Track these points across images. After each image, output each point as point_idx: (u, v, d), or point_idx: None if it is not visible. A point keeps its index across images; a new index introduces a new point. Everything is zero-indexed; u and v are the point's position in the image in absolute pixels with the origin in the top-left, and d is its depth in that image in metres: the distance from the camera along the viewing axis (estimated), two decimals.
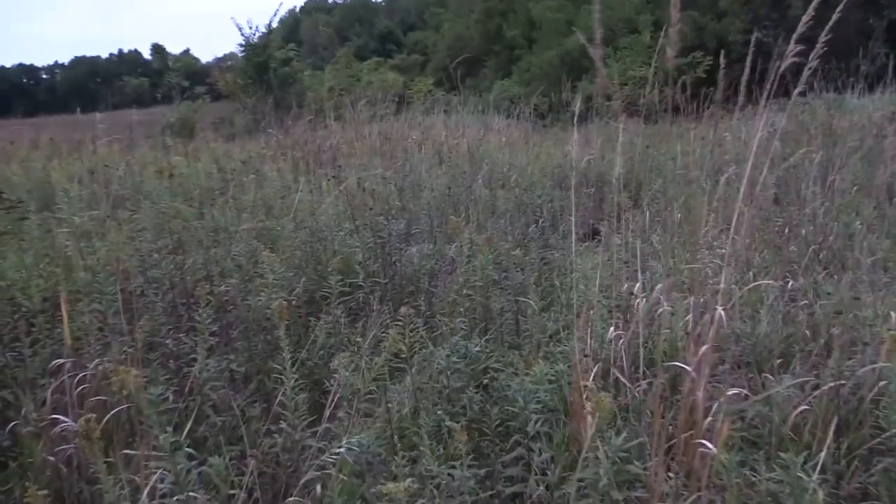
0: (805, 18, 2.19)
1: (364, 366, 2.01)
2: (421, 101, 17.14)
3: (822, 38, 2.18)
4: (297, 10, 45.61)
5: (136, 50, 50.56)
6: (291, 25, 43.53)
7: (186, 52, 45.78)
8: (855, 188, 5.23)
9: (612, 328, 2.29)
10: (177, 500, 1.53)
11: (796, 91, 2.45)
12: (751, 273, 3.26)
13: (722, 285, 3.07)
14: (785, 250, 3.72)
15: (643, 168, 6.60)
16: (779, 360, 2.44)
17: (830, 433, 1.67)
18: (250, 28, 20.58)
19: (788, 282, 3.29)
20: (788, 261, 3.62)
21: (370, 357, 2.10)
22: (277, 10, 21.24)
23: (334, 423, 1.95)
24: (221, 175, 5.55)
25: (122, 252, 3.55)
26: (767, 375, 2.23)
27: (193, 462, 1.67)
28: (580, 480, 1.52)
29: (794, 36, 2.19)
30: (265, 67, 21.15)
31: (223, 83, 21.62)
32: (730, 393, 1.90)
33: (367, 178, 4.96)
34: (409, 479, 1.41)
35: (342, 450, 1.65)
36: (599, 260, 3.41)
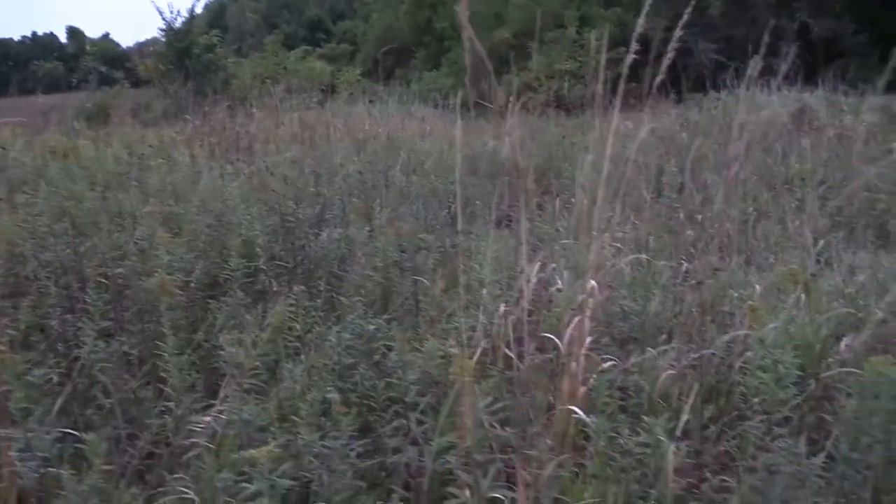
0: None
1: (251, 343, 2.01)
2: (348, 91, 17.03)
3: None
4: None
5: (51, 33, 48.34)
6: (217, 11, 42.45)
7: (106, 36, 44.09)
8: (755, 178, 5.49)
9: (502, 306, 2.36)
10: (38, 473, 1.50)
11: (685, 88, 2.54)
12: (645, 256, 3.39)
13: (619, 266, 3.20)
14: (683, 235, 3.89)
15: (558, 158, 6.76)
16: (664, 336, 2.55)
17: (691, 399, 1.77)
18: (171, 12, 19.93)
19: (683, 264, 3.44)
20: (686, 245, 3.78)
21: (259, 335, 2.10)
22: None
23: (222, 402, 1.95)
24: (130, 160, 5.41)
25: (16, 236, 3.43)
26: (650, 349, 2.33)
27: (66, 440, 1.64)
28: (449, 445, 1.57)
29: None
30: (187, 53, 20.58)
31: (143, 68, 20.96)
32: (607, 364, 1.99)
33: (278, 164, 4.92)
34: (273, 444, 1.43)
35: (212, 422, 1.66)
36: (505, 243, 3.51)
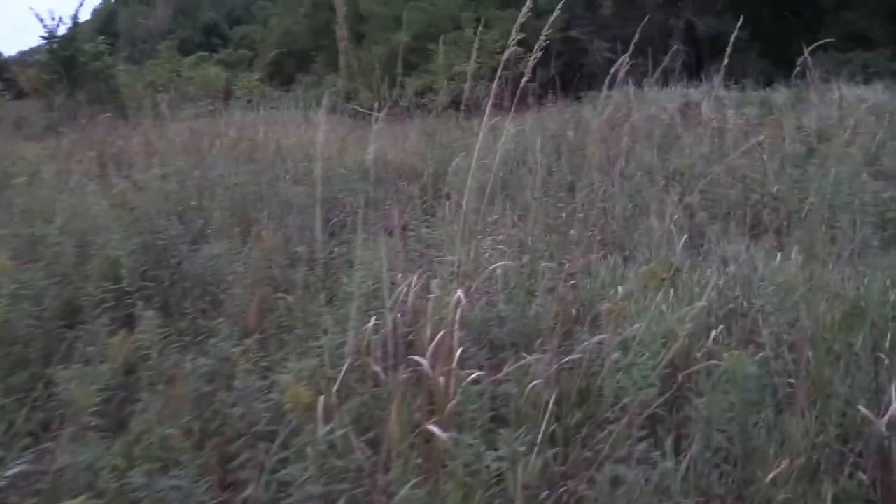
0: None
1: (92, 377, 1.86)
2: (246, 98, 16.57)
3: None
4: (113, 0, 42.62)
5: None
6: (106, 17, 40.58)
7: None
8: (639, 174, 5.62)
9: (372, 319, 2.28)
10: None
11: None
12: (526, 258, 3.38)
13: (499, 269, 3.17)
14: (566, 235, 3.91)
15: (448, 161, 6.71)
16: (540, 341, 2.53)
17: (549, 406, 1.75)
18: (53, 19, 18.89)
19: (565, 264, 3.46)
20: (569, 244, 3.81)
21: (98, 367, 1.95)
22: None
23: (56, 443, 1.79)
24: None
25: None
26: (524, 355, 2.30)
27: None
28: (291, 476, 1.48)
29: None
30: (72, 62, 19.55)
31: (25, 79, 19.79)
32: (474, 375, 1.94)
33: (156, 177, 4.68)
34: (83, 496, 1.31)
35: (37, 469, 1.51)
36: (386, 252, 3.42)
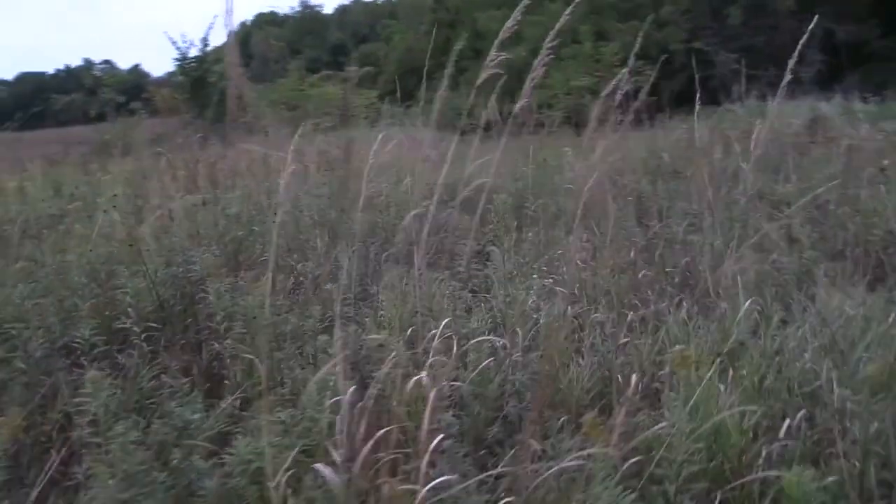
0: None
1: None
2: (362, 114, 16.76)
3: None
4: (248, 23, 45.01)
5: (85, 64, 49.33)
6: (242, 39, 42.89)
7: (136, 67, 44.85)
8: (744, 199, 4.93)
9: (350, 389, 1.90)
10: None
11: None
12: (576, 307, 2.90)
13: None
14: (637, 275, 3.37)
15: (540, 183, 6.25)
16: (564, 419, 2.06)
17: None
18: (185, 42, 19.98)
19: (628, 313, 2.94)
20: (640, 287, 3.28)
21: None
22: (212, 23, 20.56)
23: None
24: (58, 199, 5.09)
25: None
26: (532, 442, 1.85)
27: None
28: None
29: None
30: (202, 82, 20.60)
31: (159, 98, 21.01)
32: (440, 479, 1.52)
33: (229, 200, 4.56)
34: None
35: None
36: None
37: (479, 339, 2.28)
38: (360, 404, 1.82)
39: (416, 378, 1.77)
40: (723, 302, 3.12)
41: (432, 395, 1.63)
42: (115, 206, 3.68)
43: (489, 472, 1.63)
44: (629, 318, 2.85)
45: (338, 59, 38.74)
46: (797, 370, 2.11)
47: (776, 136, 7.70)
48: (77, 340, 2.55)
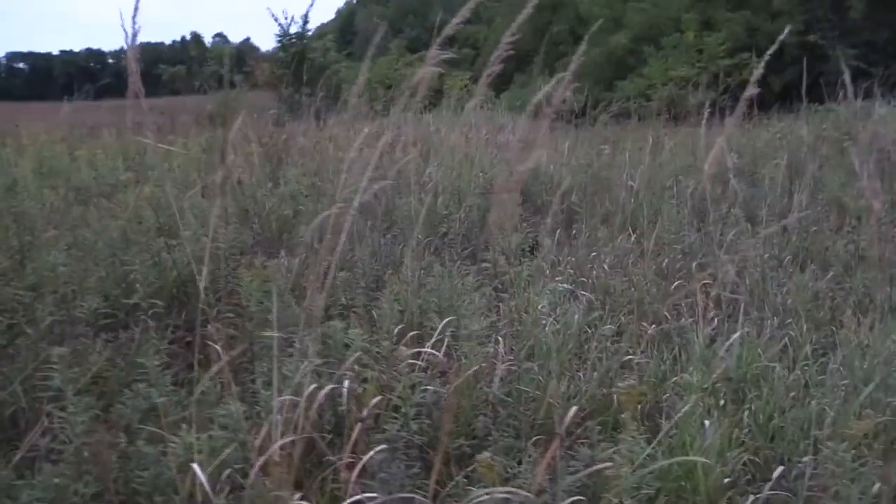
0: None
1: None
2: (455, 97, 16.69)
3: None
4: (354, 1, 45.64)
5: (197, 35, 51.46)
6: (347, 17, 43.66)
7: (247, 40, 46.34)
8: (820, 208, 4.53)
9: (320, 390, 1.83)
10: None
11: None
12: (595, 314, 2.73)
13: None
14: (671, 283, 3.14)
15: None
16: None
17: None
18: (286, 18, 20.43)
19: (650, 326, 2.74)
20: (672, 300, 3.05)
21: None
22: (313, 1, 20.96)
23: None
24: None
25: None
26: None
27: None
28: None
29: None
30: (301, 58, 21.06)
31: (259, 72, 21.62)
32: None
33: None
34: None
35: None
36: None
37: (470, 343, 2.16)
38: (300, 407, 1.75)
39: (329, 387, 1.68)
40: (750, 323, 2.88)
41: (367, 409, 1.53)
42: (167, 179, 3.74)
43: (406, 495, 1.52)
44: (649, 331, 2.66)
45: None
46: (811, 411, 1.90)
47: (875, 141, 7.10)
48: (83, 312, 2.60)
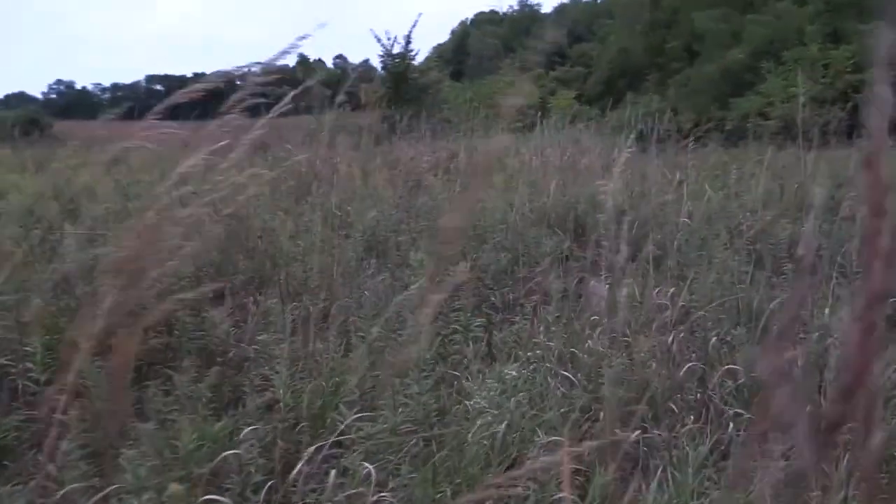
0: None
1: None
2: (559, 116, 16.14)
3: None
4: (469, 21, 45.77)
5: (320, 59, 53.12)
6: (460, 37, 43.80)
7: (366, 62, 47.42)
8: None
9: None
10: None
11: None
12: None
13: None
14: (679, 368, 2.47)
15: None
16: None
17: None
18: (388, 38, 20.60)
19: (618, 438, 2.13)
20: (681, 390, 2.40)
21: None
22: (417, 20, 20.97)
23: None
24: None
25: None
26: None
27: None
28: None
29: None
30: (403, 78, 21.15)
31: (363, 93, 21.85)
32: None
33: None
34: None
35: None
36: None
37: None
38: None
39: None
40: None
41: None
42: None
43: None
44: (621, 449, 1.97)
45: (551, 58, 38.23)
46: None
47: None
48: None
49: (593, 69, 34.57)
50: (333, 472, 1.64)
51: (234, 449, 1.72)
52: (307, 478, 1.72)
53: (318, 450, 1.67)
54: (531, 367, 2.28)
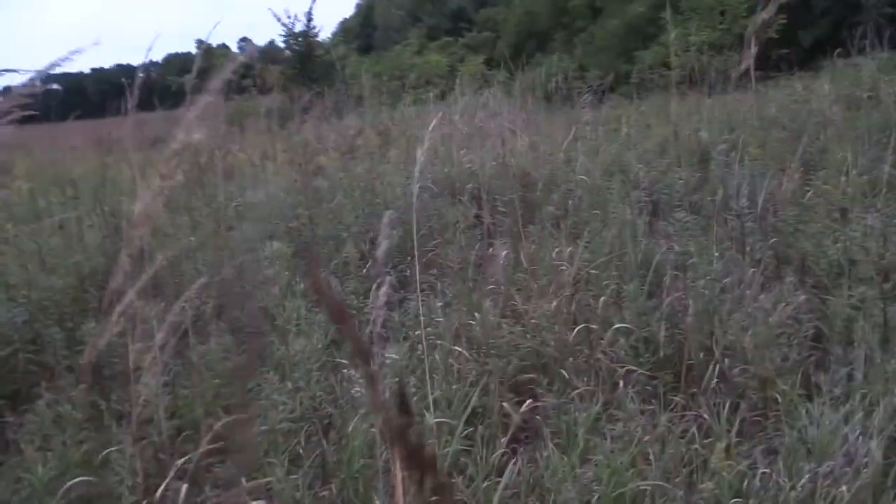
0: None
1: None
2: (468, 84, 16.02)
3: None
4: None
5: (224, 44, 51.18)
6: (367, 10, 42.95)
7: (271, 42, 46.02)
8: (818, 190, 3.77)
9: None
10: None
11: None
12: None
13: None
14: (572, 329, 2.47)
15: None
16: None
17: None
18: (289, 17, 20.04)
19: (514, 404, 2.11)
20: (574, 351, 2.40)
21: None
22: None
23: None
24: None
25: None
26: None
27: None
28: None
29: None
30: (308, 56, 20.66)
31: (268, 75, 21.24)
32: None
33: None
34: None
35: None
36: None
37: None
38: None
39: None
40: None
41: None
42: None
43: None
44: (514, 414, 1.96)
45: (458, 25, 37.97)
46: None
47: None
48: None
49: (501, 33, 34.51)
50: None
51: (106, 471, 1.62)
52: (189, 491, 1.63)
53: (189, 461, 1.58)
54: (426, 345, 2.22)
